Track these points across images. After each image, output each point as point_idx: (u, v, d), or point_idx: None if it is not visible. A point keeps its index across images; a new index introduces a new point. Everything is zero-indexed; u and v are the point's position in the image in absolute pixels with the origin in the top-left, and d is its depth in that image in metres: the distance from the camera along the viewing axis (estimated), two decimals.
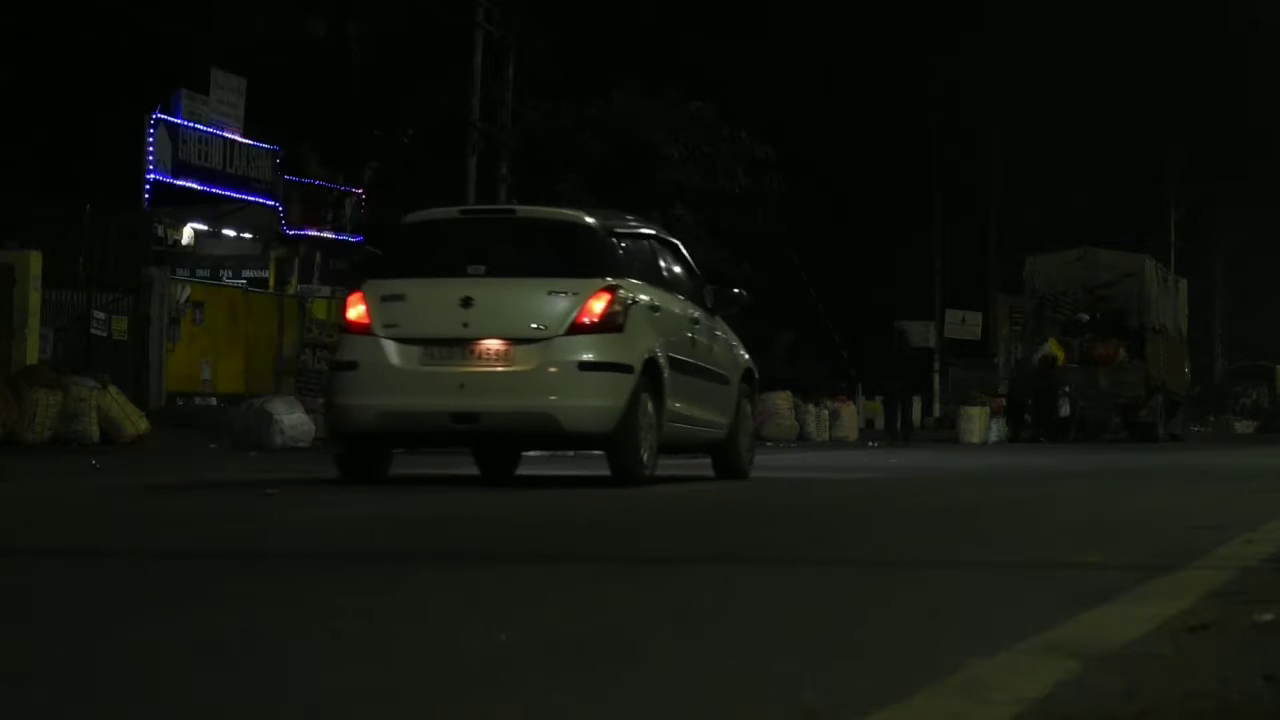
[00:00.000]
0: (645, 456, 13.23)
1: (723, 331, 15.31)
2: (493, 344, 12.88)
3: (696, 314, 14.66)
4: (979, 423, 38.58)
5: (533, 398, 12.85)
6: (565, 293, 12.97)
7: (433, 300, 13.12)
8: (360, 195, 36.53)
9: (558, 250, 13.44)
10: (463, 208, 16.95)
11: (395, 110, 39.14)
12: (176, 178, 30.90)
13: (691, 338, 14.37)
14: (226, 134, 32.09)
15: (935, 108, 52.68)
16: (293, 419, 22.73)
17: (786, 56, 48.13)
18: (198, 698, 3.85)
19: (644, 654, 4.48)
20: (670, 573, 6.83)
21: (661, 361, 13.44)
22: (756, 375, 15.99)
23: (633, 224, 14.64)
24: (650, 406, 13.27)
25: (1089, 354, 40.40)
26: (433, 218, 14.42)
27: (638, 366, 13.07)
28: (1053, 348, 40.78)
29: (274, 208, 33.78)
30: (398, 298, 13.09)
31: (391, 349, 12.97)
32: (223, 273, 33.99)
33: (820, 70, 48.44)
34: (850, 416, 36.75)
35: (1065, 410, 39.19)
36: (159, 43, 33.24)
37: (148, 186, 30.26)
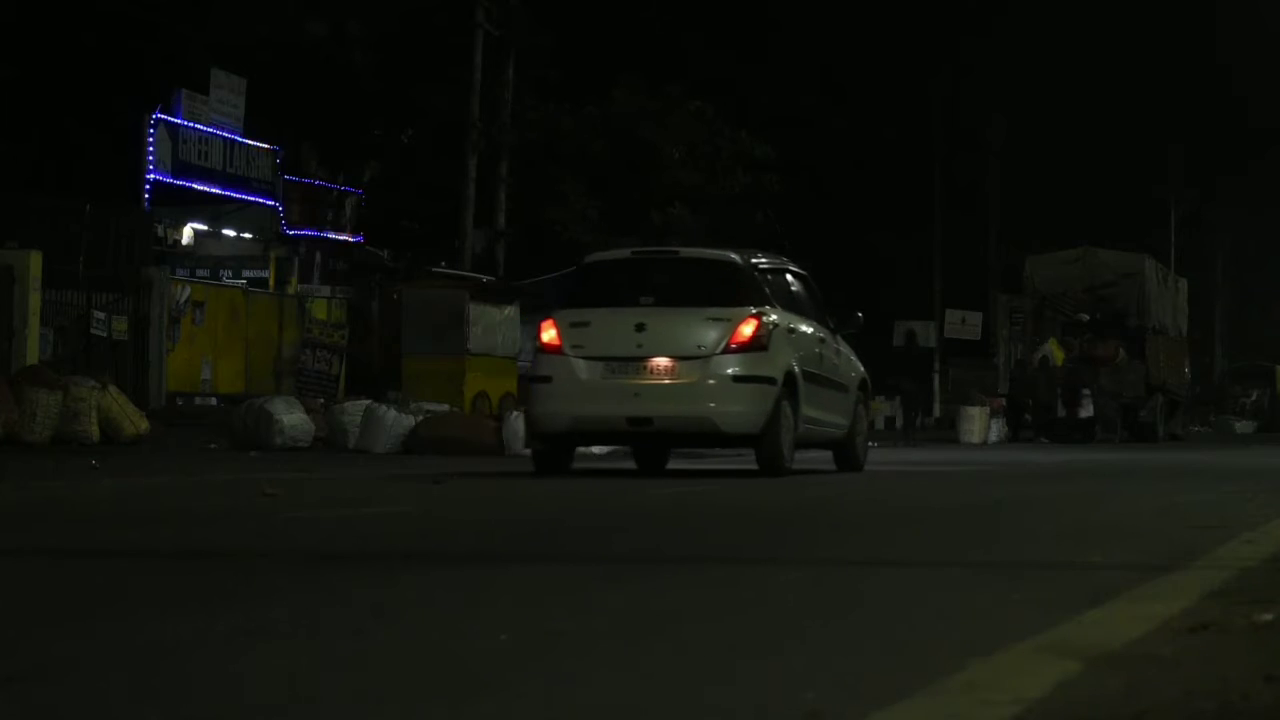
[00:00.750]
0: (785, 452, 15.84)
1: (843, 347, 17.86)
2: (662, 361, 15.59)
3: (823, 334, 17.21)
4: (979, 423, 38.60)
5: (695, 405, 15.57)
6: (721, 319, 15.65)
7: (612, 325, 15.82)
8: (360, 195, 36.54)
9: (714, 284, 16.11)
10: (634, 249, 19.68)
11: (395, 110, 39.14)
12: (176, 178, 30.90)
13: (819, 354, 16.92)
14: (226, 134, 32.10)
15: (935, 107, 52.68)
16: (293, 419, 22.73)
17: (787, 56, 48.13)
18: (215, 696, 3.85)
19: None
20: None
21: (797, 374, 16.04)
22: (869, 384, 18.89)
23: (773, 261, 17.44)
24: (789, 411, 15.83)
25: (1089, 354, 40.39)
26: (610, 258, 17.62)
27: (779, 379, 15.72)
28: (1053, 348, 40.78)
29: (274, 208, 33.79)
30: (583, 324, 15.85)
31: (579, 366, 15.67)
32: (223, 273, 33.99)
33: (820, 70, 48.45)
34: None
35: (1088, 410, 39.22)
36: (159, 43, 33.24)
37: (148, 186, 30.26)
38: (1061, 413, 39.45)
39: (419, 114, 38.85)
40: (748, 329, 15.59)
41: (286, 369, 31.18)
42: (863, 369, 18.28)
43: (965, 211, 54.92)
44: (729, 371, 15.50)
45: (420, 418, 22.65)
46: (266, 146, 33.29)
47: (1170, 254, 59.04)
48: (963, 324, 52.42)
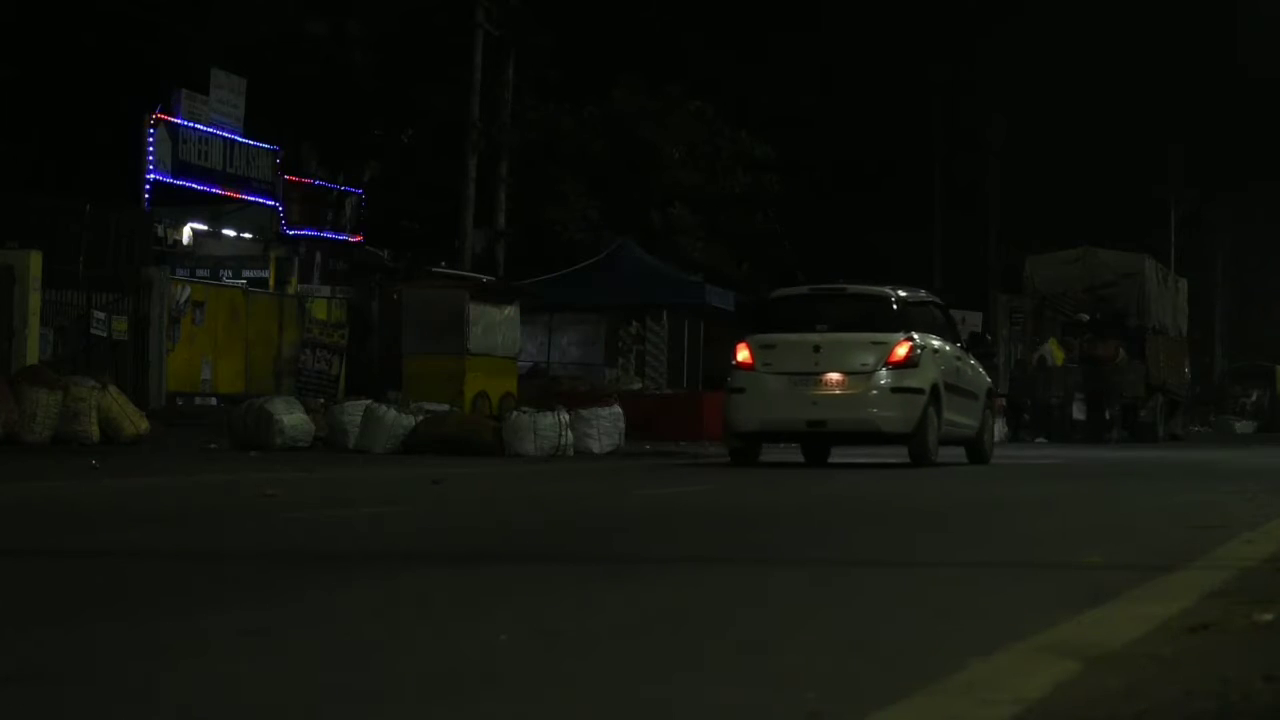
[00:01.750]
0: (931, 448, 19.38)
1: (974, 362, 21.48)
2: (834, 376, 19.26)
3: (958, 352, 20.76)
4: None
5: (861, 411, 19.20)
6: (880, 342, 19.29)
7: (794, 348, 19.45)
8: (360, 195, 36.53)
9: (874, 314, 19.82)
10: (810, 287, 22.65)
11: (395, 110, 39.14)
12: (176, 178, 30.89)
13: (957, 368, 20.38)
14: (226, 134, 32.10)
15: (936, 107, 52.68)
16: (293, 419, 22.71)
17: (787, 57, 48.13)
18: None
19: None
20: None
21: (940, 386, 19.54)
22: (996, 392, 22.92)
23: (921, 295, 21.61)
24: (934, 415, 19.35)
25: (1089, 354, 40.39)
26: (790, 294, 21.48)
27: (927, 389, 19.29)
28: (1052, 348, 40.77)
29: (274, 208, 33.79)
30: (770, 346, 19.53)
31: (767, 379, 19.33)
32: (223, 273, 33.97)
33: (820, 70, 48.44)
34: None
35: (1115, 410, 39.39)
36: (159, 43, 33.24)
37: (148, 186, 30.25)
38: (1080, 414, 39.52)
39: (419, 114, 38.84)
40: (902, 350, 19.25)
41: (286, 369, 31.16)
42: (989, 380, 22.11)
43: (965, 211, 54.92)
44: (887, 384, 19.16)
45: (420, 418, 22.64)
46: (266, 147, 33.29)
47: (1170, 254, 59.03)
48: (962, 324, 52.38)
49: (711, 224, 40.89)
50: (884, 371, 19.14)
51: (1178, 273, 49.99)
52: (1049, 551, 7.93)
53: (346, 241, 36.18)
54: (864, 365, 19.19)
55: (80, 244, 27.27)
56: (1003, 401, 40.48)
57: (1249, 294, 69.00)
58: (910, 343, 19.29)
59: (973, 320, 52.50)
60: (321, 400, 26.18)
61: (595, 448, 23.58)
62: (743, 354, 19.55)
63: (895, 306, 19.97)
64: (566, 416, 23.15)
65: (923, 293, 22.07)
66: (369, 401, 23.40)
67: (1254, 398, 61.69)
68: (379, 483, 14.72)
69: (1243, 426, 56.41)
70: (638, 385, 34.15)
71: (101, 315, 26.73)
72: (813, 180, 46.02)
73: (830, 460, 20.69)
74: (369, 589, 6.17)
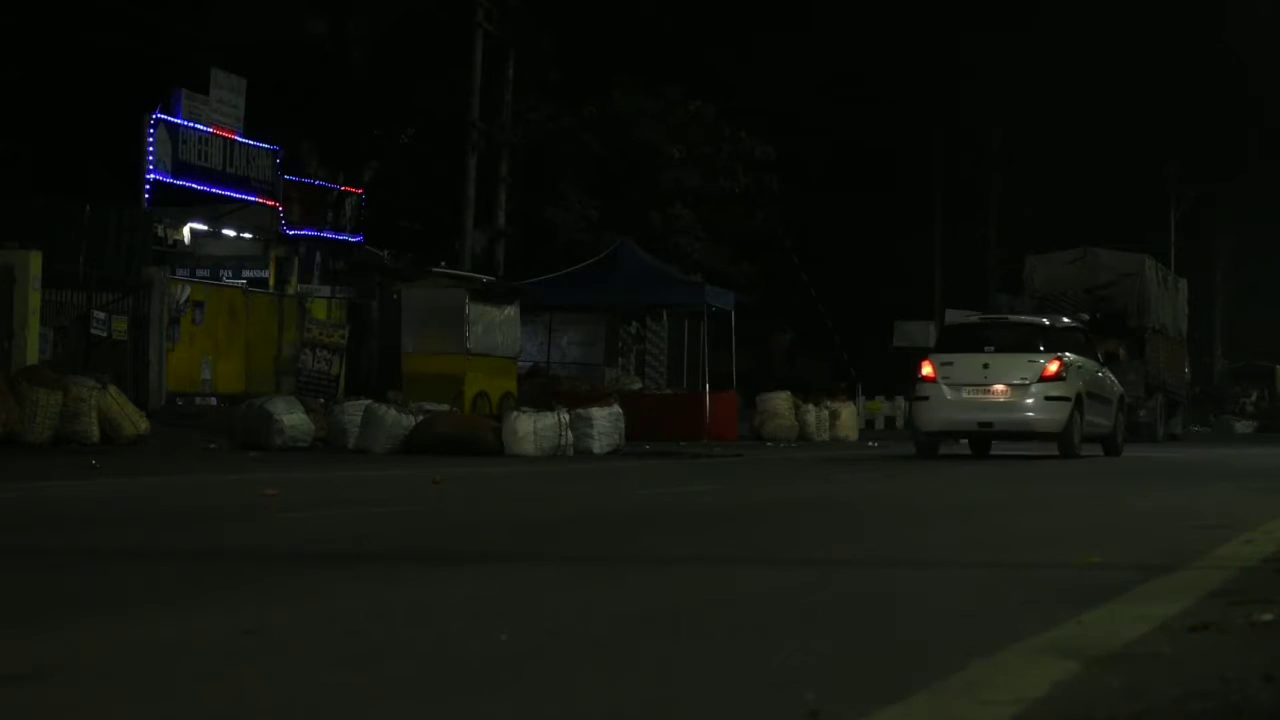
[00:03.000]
0: (1076, 443, 23.88)
1: (1107, 374, 26.03)
2: (1000, 387, 23.80)
3: (1096, 366, 25.33)
4: None
5: (1021, 414, 23.74)
6: (1036, 360, 23.90)
7: (967, 364, 23.94)
8: (360, 195, 36.53)
9: (1031, 338, 24.54)
10: (980, 317, 28.14)
11: (395, 110, 39.13)
12: (176, 178, 30.88)
13: (1095, 379, 25.01)
14: (226, 134, 32.10)
15: (936, 107, 52.68)
16: (293, 419, 22.72)
17: (787, 57, 48.12)
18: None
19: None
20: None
21: (1083, 394, 24.17)
22: (1125, 397, 27.47)
23: (1066, 322, 26.59)
24: (1078, 417, 23.90)
25: None
26: (964, 322, 26.97)
27: (1073, 397, 23.87)
28: None
29: (274, 208, 33.78)
30: (949, 363, 24.02)
31: (946, 390, 23.79)
32: (223, 273, 33.95)
33: (821, 70, 48.43)
34: (850, 416, 36.71)
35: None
36: (159, 43, 33.22)
37: (148, 186, 30.23)
38: None
39: (419, 114, 38.83)
40: (1053, 367, 23.87)
41: (286, 369, 31.15)
42: (1121, 389, 26.86)
43: (965, 212, 54.94)
44: (1041, 393, 23.68)
45: (420, 418, 22.64)
46: (266, 147, 33.27)
47: (1170, 254, 59.04)
48: None
49: (711, 224, 40.87)
50: (1039, 383, 23.76)
51: (1178, 273, 49.97)
52: (1049, 551, 7.93)
53: (346, 241, 36.17)
54: (1023, 379, 23.82)
55: (80, 244, 27.25)
56: None
57: (1249, 294, 68.99)
58: (1060, 360, 24.00)
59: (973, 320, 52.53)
60: (321, 400, 26.18)
61: (595, 448, 23.57)
62: (926, 369, 24.17)
63: (1048, 332, 25.00)
64: (566, 416, 23.15)
65: (1066, 320, 27.28)
66: (369, 401, 23.39)
67: (1254, 398, 61.70)
68: (379, 483, 14.72)
69: (1243, 426, 56.42)
70: (638, 385, 34.15)
71: (101, 315, 26.72)
72: (814, 180, 46.01)
73: (991, 454, 25.27)
74: (369, 589, 6.17)
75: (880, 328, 51.23)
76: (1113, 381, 26.16)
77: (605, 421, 24.05)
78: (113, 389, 22.87)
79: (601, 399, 25.67)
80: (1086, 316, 41.68)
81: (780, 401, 34.19)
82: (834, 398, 37.34)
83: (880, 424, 46.86)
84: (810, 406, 35.03)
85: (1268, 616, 4.84)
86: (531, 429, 22.48)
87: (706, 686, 4.01)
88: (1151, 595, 5.62)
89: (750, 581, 6.51)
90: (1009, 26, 52.53)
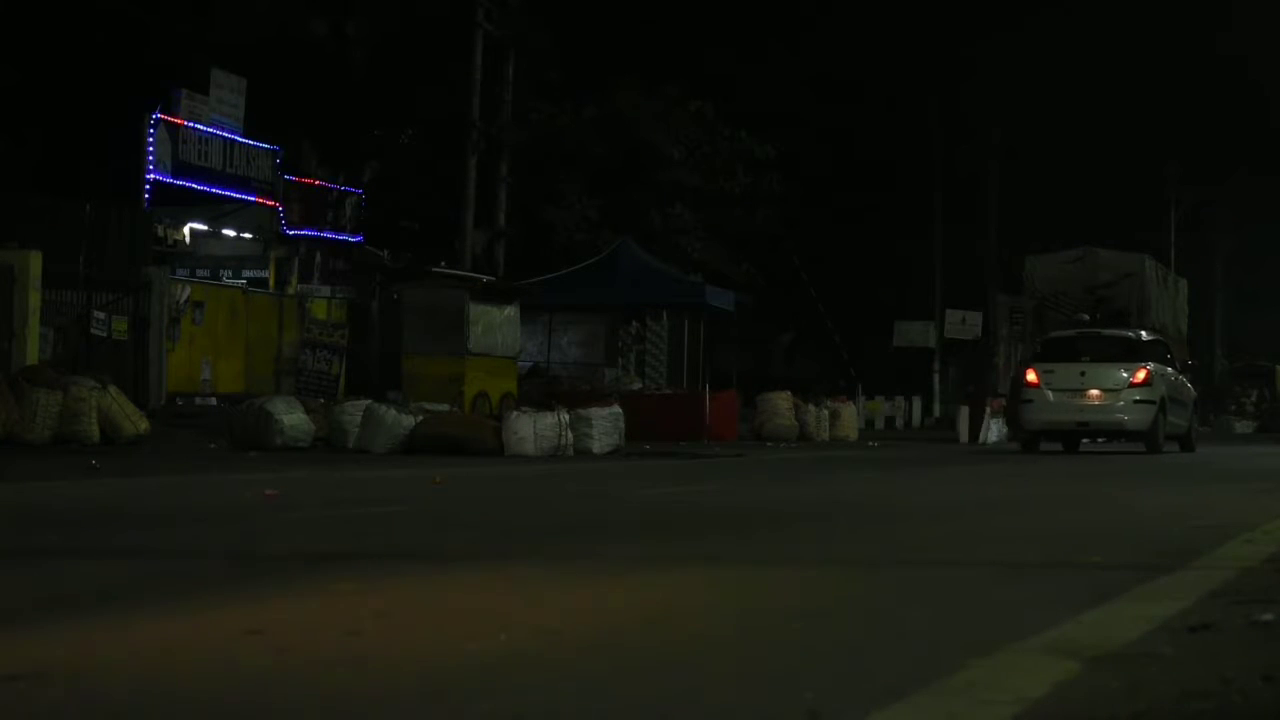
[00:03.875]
0: (1160, 441, 27.51)
1: (1185, 380, 29.61)
2: (1095, 391, 27.49)
3: (1175, 373, 28.81)
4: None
5: (1113, 415, 27.56)
6: (1127, 369, 27.63)
7: (1066, 372, 27.64)
8: (360, 195, 36.53)
9: (1122, 349, 28.51)
10: (1078, 331, 32.87)
11: (395, 110, 39.12)
12: (176, 178, 30.87)
13: (1175, 384, 28.43)
14: (226, 134, 32.09)
15: (935, 107, 52.65)
16: (293, 419, 22.70)
17: (788, 56, 48.11)
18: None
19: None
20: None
21: (1165, 398, 27.69)
22: (1199, 401, 31.71)
23: (1152, 336, 30.87)
24: (1162, 418, 27.46)
25: None
26: (1063, 335, 30.96)
27: (1157, 401, 27.46)
28: None
29: (274, 208, 33.78)
30: (1049, 371, 27.70)
31: (1047, 394, 27.45)
32: (223, 273, 33.94)
33: (821, 70, 48.40)
34: (850, 416, 36.72)
35: None
36: (159, 43, 33.22)
37: (148, 186, 30.22)
38: None
39: (419, 114, 38.82)
40: (1141, 375, 27.58)
41: (286, 369, 31.15)
42: (1195, 393, 30.65)
43: (965, 212, 54.90)
44: (1132, 398, 27.39)
45: (420, 418, 22.63)
46: (266, 146, 33.27)
47: (1170, 254, 59.04)
48: (963, 324, 52.42)
49: (711, 224, 40.87)
50: (1129, 389, 27.49)
51: (1178, 273, 49.98)
52: (1049, 551, 7.93)
53: (346, 241, 36.16)
54: (1115, 384, 27.51)
55: (80, 244, 27.25)
56: (1002, 402, 40.52)
57: (1249, 294, 69.00)
58: (1147, 369, 27.72)
59: (972, 320, 52.57)
60: (321, 400, 26.16)
61: (595, 448, 23.57)
62: (1031, 376, 27.99)
63: (1137, 344, 29.12)
64: (566, 416, 23.15)
65: (1153, 335, 31.91)
66: (369, 401, 23.38)
67: (1254, 398, 61.70)
68: (379, 483, 14.72)
69: (1242, 426, 56.43)
70: (638, 385, 34.14)
71: (102, 315, 26.72)
72: (814, 180, 45.99)
73: (1082, 450, 28.78)
74: (369, 589, 6.18)
75: (880, 328, 51.21)
76: (1189, 386, 30.04)
77: (605, 421, 24.04)
78: (113, 389, 22.87)
79: (601, 399, 25.67)
80: (1086, 316, 41.76)
81: (780, 401, 34.20)
82: (834, 398, 37.35)
83: (880, 424, 46.83)
84: (810, 406, 35.03)
85: (1268, 616, 4.84)
86: (531, 429, 22.48)
87: (707, 686, 4.01)
88: (1151, 595, 5.62)
89: (751, 580, 6.51)
90: (1009, 26, 52.50)
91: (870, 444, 32.70)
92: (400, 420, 22.47)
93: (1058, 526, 9.83)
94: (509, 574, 6.80)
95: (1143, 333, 31.68)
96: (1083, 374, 27.45)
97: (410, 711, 3.71)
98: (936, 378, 51.99)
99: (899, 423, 48.28)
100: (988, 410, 38.99)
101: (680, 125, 40.22)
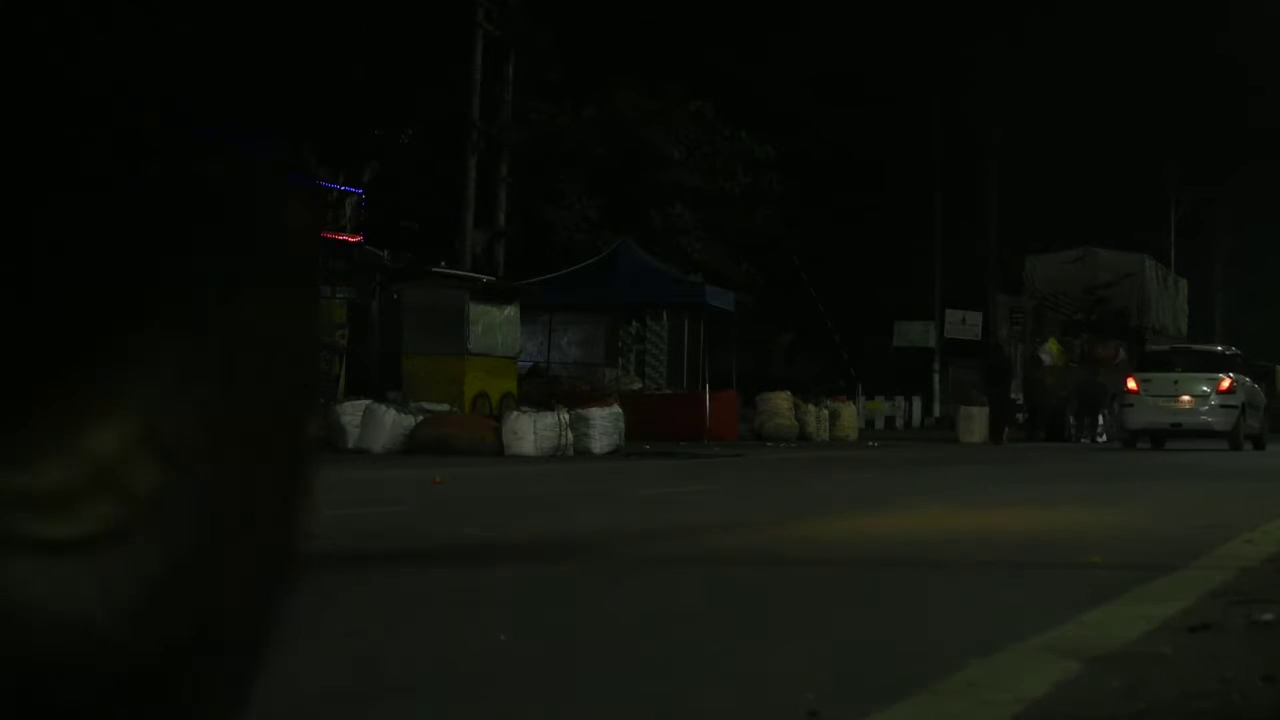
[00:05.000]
0: (1241, 439, 31.97)
1: (1258, 388, 34.39)
2: (1186, 397, 32.39)
3: (1250, 382, 33.57)
4: (978, 422, 38.60)
5: (1203, 418, 32.32)
6: (1213, 378, 32.64)
7: (1162, 381, 32.62)
8: (360, 195, 36.51)
9: (1208, 362, 33.72)
10: (1171, 347, 38.27)
11: (395, 110, 39.12)
12: None
13: (1250, 390, 33.27)
14: None
15: (936, 107, 52.67)
16: None
17: (788, 56, 48.11)
18: None
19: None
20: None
21: (1245, 404, 32.64)
22: (1267, 404, 35.75)
23: (1232, 350, 35.31)
24: (1241, 421, 32.18)
25: (1089, 354, 40.43)
26: (1159, 350, 36.05)
27: (1239, 406, 32.32)
28: (1052, 348, 40.78)
29: None
30: (1147, 380, 32.76)
31: (1146, 400, 32.44)
32: None
33: (822, 70, 48.41)
34: (850, 416, 36.74)
35: (1116, 410, 40.01)
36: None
37: None
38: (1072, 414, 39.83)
39: (419, 114, 38.83)
40: (1225, 383, 32.61)
41: None
42: (1266, 399, 35.43)
43: (965, 211, 54.90)
44: (1216, 402, 32.33)
45: (420, 418, 22.63)
46: None
47: (1170, 254, 59.05)
48: (963, 324, 52.44)
49: (711, 224, 40.87)
50: (1215, 395, 32.45)
51: (1177, 273, 49.99)
52: (1048, 551, 7.93)
53: (346, 241, 36.18)
54: (1203, 391, 32.53)
55: None
56: None
57: (1249, 294, 69.02)
58: (1230, 379, 32.78)
59: (972, 320, 52.59)
60: (321, 400, 26.12)
61: (595, 448, 23.58)
62: (1132, 384, 32.91)
63: (1222, 358, 34.31)
64: (566, 416, 23.15)
65: (1233, 349, 35.98)
66: (369, 401, 23.39)
67: None
68: (378, 483, 14.72)
69: None
70: (638, 385, 34.14)
71: None
72: (814, 180, 46.00)
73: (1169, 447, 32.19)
74: (368, 588, 6.17)
75: (880, 328, 51.21)
76: (1261, 394, 34.92)
77: (605, 421, 24.05)
78: None
79: (601, 399, 25.68)
80: (1081, 316, 41.77)
81: (780, 401, 34.21)
82: (834, 398, 37.35)
83: (880, 424, 46.83)
84: (810, 406, 35.04)
85: (1268, 616, 4.84)
86: (531, 429, 22.49)
87: (706, 686, 4.01)
88: (1151, 595, 5.62)
89: (747, 581, 6.51)
90: (1009, 26, 52.50)
91: (870, 444, 32.71)
92: (400, 420, 22.47)
93: (1055, 525, 9.83)
94: (509, 572, 6.81)
95: (1219, 347, 36.85)
96: (1175, 382, 32.57)
97: (410, 711, 3.72)
98: (936, 378, 52.00)
99: (899, 423, 48.28)
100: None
101: (680, 125, 40.23)
